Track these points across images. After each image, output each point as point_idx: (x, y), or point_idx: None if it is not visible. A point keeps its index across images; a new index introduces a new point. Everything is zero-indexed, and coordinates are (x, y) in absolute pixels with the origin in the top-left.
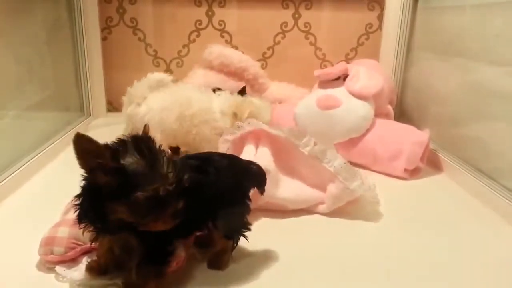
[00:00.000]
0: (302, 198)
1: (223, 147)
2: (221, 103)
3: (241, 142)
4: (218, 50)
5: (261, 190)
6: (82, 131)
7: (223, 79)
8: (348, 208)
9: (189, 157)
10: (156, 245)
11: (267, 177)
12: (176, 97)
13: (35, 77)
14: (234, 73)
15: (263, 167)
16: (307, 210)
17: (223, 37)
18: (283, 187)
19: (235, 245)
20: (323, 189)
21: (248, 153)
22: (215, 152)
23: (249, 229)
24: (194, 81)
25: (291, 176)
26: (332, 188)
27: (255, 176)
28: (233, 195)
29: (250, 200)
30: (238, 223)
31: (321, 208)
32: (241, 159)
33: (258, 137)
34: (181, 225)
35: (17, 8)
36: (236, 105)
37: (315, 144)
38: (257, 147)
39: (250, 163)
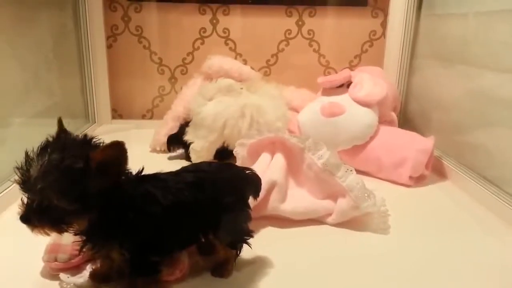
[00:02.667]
0: (311, 210)
1: (238, 151)
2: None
3: (259, 148)
4: (217, 64)
5: (256, 196)
6: None
7: None
8: (356, 219)
9: (187, 170)
10: (140, 257)
11: (275, 189)
12: (234, 104)
13: (41, 85)
14: None
15: (271, 180)
16: (314, 219)
17: (227, 44)
18: (291, 200)
19: (238, 253)
20: (333, 199)
21: (263, 162)
22: (211, 162)
23: (252, 236)
24: (194, 90)
25: (301, 186)
26: (342, 203)
27: (252, 183)
28: (232, 205)
29: (249, 207)
30: (240, 233)
31: (328, 220)
32: (236, 167)
33: (274, 145)
34: (177, 237)
35: (23, 16)
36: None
37: (330, 156)
38: (272, 156)
39: (245, 169)
